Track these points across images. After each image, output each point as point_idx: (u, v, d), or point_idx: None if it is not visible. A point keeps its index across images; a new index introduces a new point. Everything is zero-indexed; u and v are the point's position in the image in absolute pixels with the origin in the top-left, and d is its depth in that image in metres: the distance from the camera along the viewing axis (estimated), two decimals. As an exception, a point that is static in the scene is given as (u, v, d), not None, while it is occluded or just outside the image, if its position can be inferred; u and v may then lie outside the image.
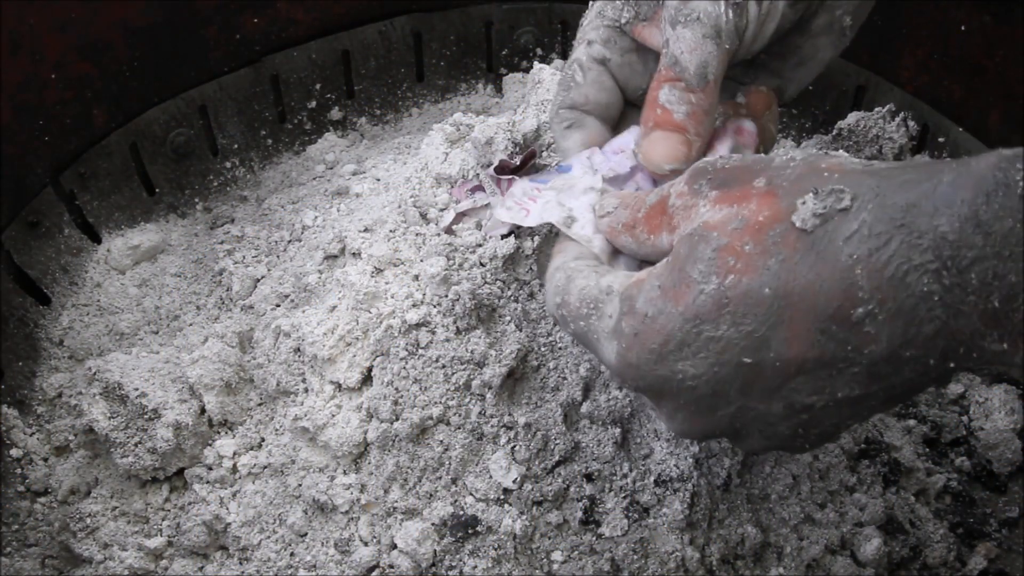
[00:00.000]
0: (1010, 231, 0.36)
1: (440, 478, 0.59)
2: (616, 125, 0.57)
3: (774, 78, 0.55)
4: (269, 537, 0.62)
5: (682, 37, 0.49)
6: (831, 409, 0.43)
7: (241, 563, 0.62)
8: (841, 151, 0.45)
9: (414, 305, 0.61)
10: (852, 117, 0.82)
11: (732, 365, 0.43)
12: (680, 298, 0.43)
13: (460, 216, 0.65)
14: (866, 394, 0.42)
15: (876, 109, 0.82)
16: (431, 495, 0.59)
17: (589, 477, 0.58)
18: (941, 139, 0.81)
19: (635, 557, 0.58)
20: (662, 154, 0.51)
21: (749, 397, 0.43)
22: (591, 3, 0.55)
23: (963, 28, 0.78)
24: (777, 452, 0.63)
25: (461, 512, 0.58)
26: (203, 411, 0.66)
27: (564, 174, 0.56)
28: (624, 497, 0.58)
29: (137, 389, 0.64)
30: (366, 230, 0.68)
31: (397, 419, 0.59)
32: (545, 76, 0.73)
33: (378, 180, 0.77)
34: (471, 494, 0.58)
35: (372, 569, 0.59)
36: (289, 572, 0.61)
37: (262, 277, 0.72)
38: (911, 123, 0.81)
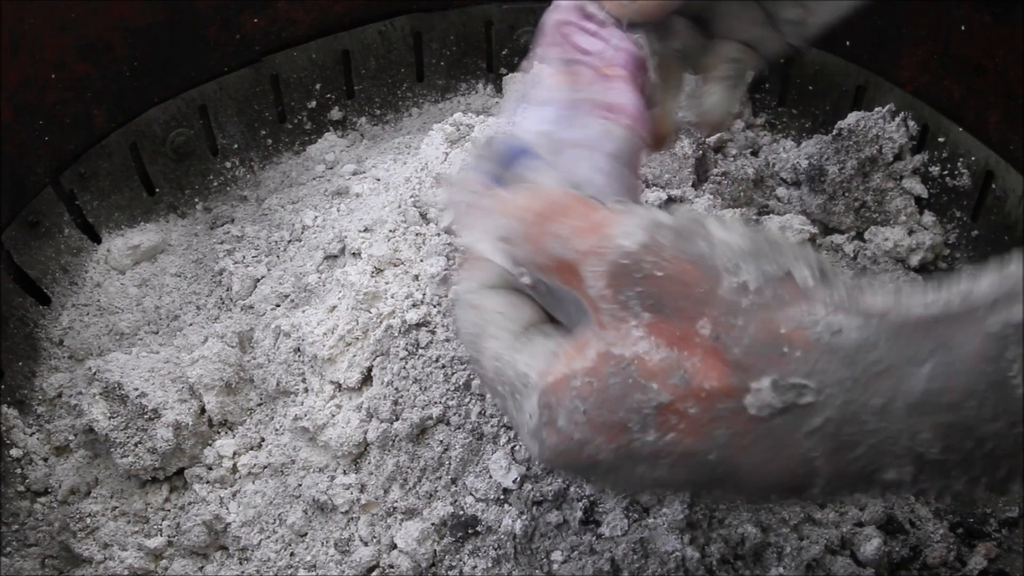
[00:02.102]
0: (1002, 432, 0.33)
1: (440, 478, 0.59)
2: None
3: (796, 6, 0.50)
4: (269, 537, 0.62)
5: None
6: None
7: (241, 563, 0.62)
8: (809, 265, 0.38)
9: (414, 305, 0.61)
10: (852, 117, 0.82)
11: (665, 489, 0.42)
12: (612, 438, 0.39)
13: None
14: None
15: (876, 109, 0.82)
16: (431, 495, 0.59)
17: (589, 477, 0.59)
18: (941, 139, 0.81)
19: (635, 557, 0.58)
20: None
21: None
22: None
23: (963, 28, 0.78)
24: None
25: (461, 512, 0.58)
26: (203, 411, 0.66)
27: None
28: (624, 497, 0.58)
29: (137, 389, 0.64)
30: (366, 230, 0.68)
31: (397, 419, 0.59)
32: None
33: (378, 180, 0.77)
34: (471, 494, 0.58)
35: (372, 569, 0.59)
36: (289, 572, 0.61)
37: (262, 277, 0.72)
38: (911, 123, 0.81)
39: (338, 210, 0.75)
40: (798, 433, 0.35)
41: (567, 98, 0.53)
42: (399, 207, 0.68)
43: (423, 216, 0.67)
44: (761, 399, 0.36)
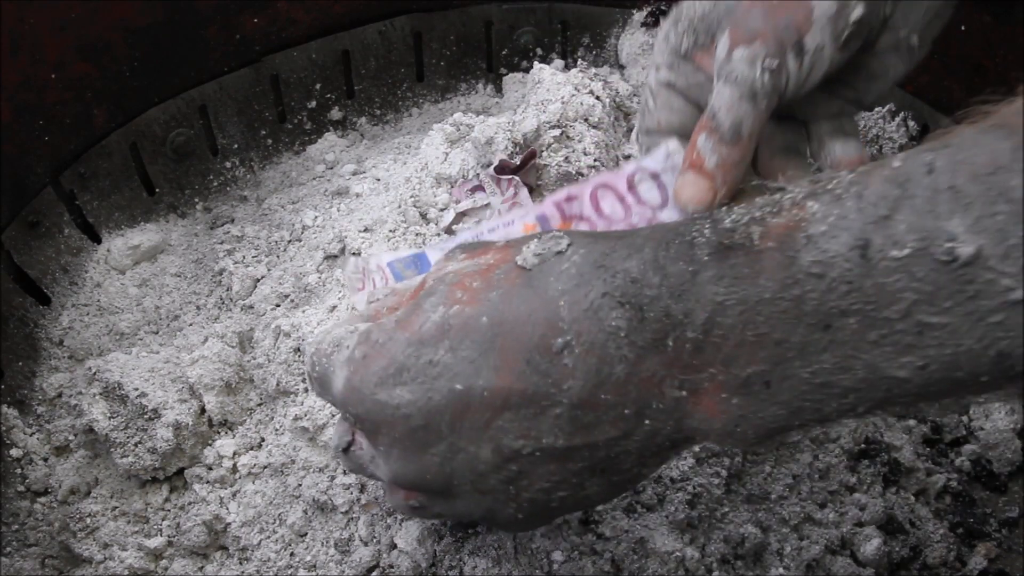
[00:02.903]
0: (681, 273, 0.41)
1: (440, 478, 0.59)
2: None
3: (849, 90, 0.55)
4: (269, 537, 0.62)
5: (721, 93, 0.51)
6: (538, 463, 0.44)
7: (241, 563, 0.62)
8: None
9: (414, 305, 0.61)
10: (852, 117, 0.82)
11: (444, 393, 0.44)
12: (409, 326, 0.45)
13: (460, 216, 0.65)
14: (570, 447, 0.43)
15: (876, 109, 0.82)
16: (431, 495, 0.59)
17: (589, 477, 0.58)
18: (941, 139, 0.81)
19: (635, 557, 0.58)
20: (688, 195, 0.53)
21: (459, 433, 0.44)
22: (661, 27, 0.56)
23: (963, 28, 0.78)
24: (777, 453, 0.63)
25: (461, 512, 0.58)
26: (203, 411, 0.66)
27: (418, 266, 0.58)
28: (624, 497, 0.58)
29: (137, 389, 0.64)
30: (366, 230, 0.68)
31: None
32: (545, 76, 0.73)
33: (378, 180, 0.77)
34: (471, 494, 0.58)
35: (372, 569, 0.59)
36: (289, 572, 0.61)
37: (262, 277, 0.72)
38: (911, 123, 0.81)
39: (338, 210, 0.75)
40: (551, 276, 0.43)
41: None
42: (399, 207, 0.68)
43: (423, 216, 0.67)
44: (528, 251, 0.44)
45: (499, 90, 0.90)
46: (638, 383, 0.42)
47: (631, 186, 0.60)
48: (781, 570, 0.61)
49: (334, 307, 0.63)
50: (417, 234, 0.65)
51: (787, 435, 0.44)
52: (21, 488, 0.67)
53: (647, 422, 0.43)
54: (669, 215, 0.58)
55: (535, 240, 0.44)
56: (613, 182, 0.60)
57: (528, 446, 0.44)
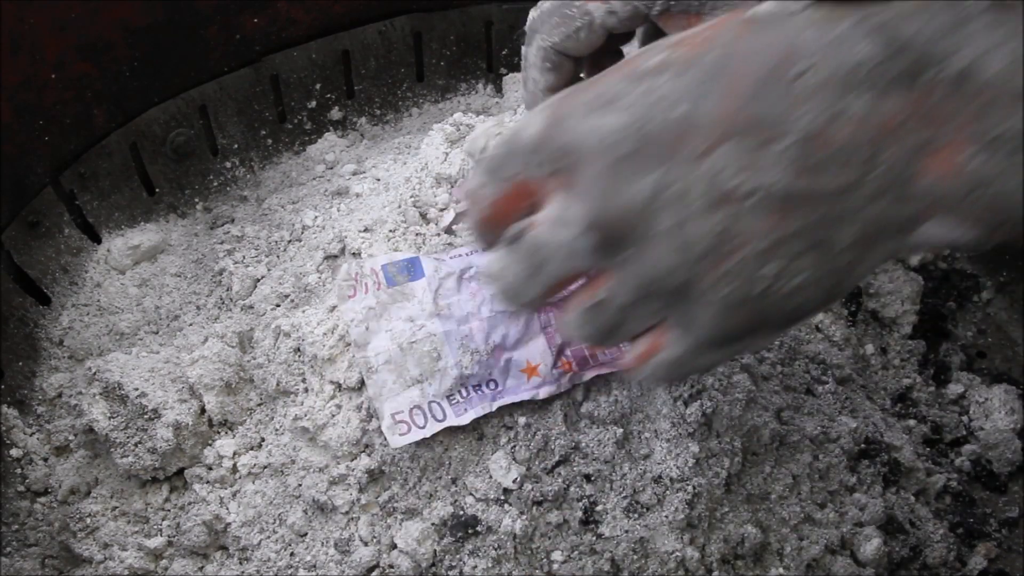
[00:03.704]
0: (949, 16, 0.37)
1: (440, 478, 0.59)
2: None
3: None
4: (269, 537, 0.62)
5: None
6: (752, 214, 0.39)
7: (241, 563, 0.62)
8: None
9: (414, 305, 0.61)
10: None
11: (662, 117, 0.40)
12: (623, 67, 0.41)
13: (460, 216, 0.65)
14: (790, 195, 0.39)
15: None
16: (431, 495, 0.59)
17: (589, 477, 0.58)
18: (941, 139, 0.81)
19: (635, 557, 0.58)
20: None
21: (673, 163, 0.39)
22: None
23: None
24: (777, 453, 0.63)
25: (461, 512, 0.58)
26: (203, 411, 0.66)
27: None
28: (624, 497, 0.58)
29: (137, 389, 0.64)
30: (366, 230, 0.68)
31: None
32: None
33: (378, 180, 0.77)
34: (471, 494, 0.58)
35: (372, 569, 0.59)
36: (289, 572, 0.61)
37: (262, 277, 0.72)
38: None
39: (338, 210, 0.75)
40: (789, 17, 0.39)
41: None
42: (399, 207, 0.68)
43: (423, 216, 0.67)
44: (761, 8, 0.40)
45: (499, 90, 0.90)
46: (876, 123, 0.38)
47: None
48: (781, 570, 0.61)
49: (334, 307, 0.63)
50: (417, 234, 0.65)
51: (1015, 228, 0.39)
52: (21, 488, 0.68)
53: (878, 171, 0.38)
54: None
55: (767, 2, 0.40)
56: None
57: (746, 184, 0.39)
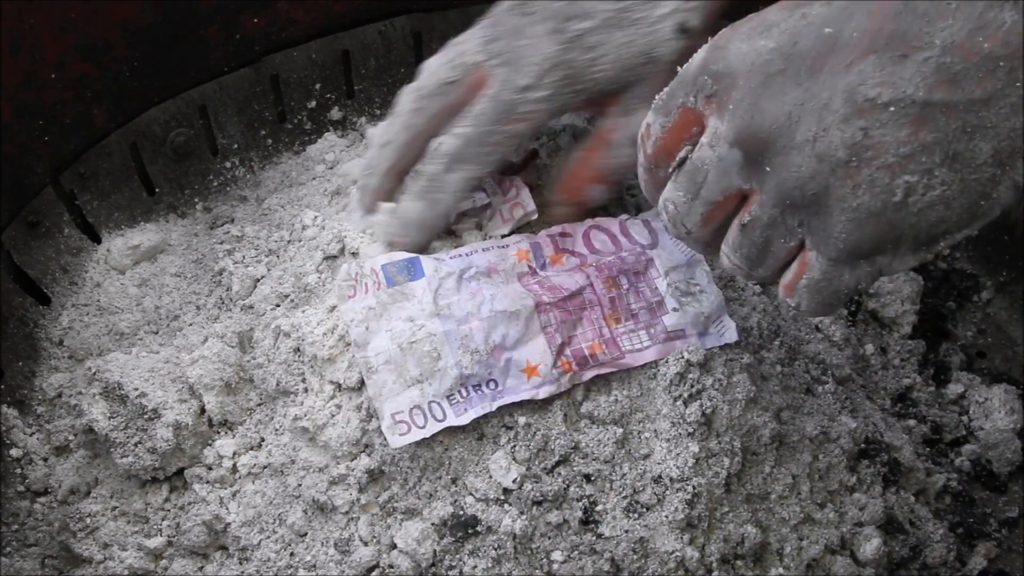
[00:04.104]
0: None
1: (440, 478, 0.59)
2: None
3: None
4: (269, 537, 0.62)
5: None
6: (888, 125, 0.40)
7: (241, 563, 0.62)
8: None
9: (414, 305, 0.61)
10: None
11: (812, 37, 0.42)
12: (784, 3, 0.44)
13: (461, 216, 0.65)
14: (928, 104, 0.40)
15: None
16: (431, 495, 0.59)
17: (589, 477, 0.58)
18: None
19: (635, 557, 0.58)
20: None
21: (816, 79, 0.42)
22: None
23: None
24: (777, 453, 0.63)
25: (461, 512, 0.58)
26: (203, 411, 0.66)
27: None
28: (624, 497, 0.58)
29: (137, 389, 0.64)
30: (365, 230, 0.68)
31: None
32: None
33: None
34: (471, 494, 0.58)
35: (372, 569, 0.59)
36: (289, 572, 0.61)
37: (262, 277, 0.72)
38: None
39: (337, 212, 0.75)
40: None
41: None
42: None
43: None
44: None
45: (499, 90, 0.90)
46: (1022, 34, 0.38)
47: (624, 230, 0.62)
48: (781, 570, 0.61)
49: (334, 307, 0.63)
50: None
51: None
52: (21, 488, 0.68)
53: (1017, 86, 0.39)
54: (658, 253, 0.62)
55: None
56: (606, 224, 0.63)
57: (884, 94, 0.40)
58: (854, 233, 0.43)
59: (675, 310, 0.61)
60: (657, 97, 0.49)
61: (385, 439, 0.58)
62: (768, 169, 0.44)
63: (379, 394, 0.58)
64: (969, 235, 0.45)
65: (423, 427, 0.57)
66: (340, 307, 0.61)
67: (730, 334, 0.62)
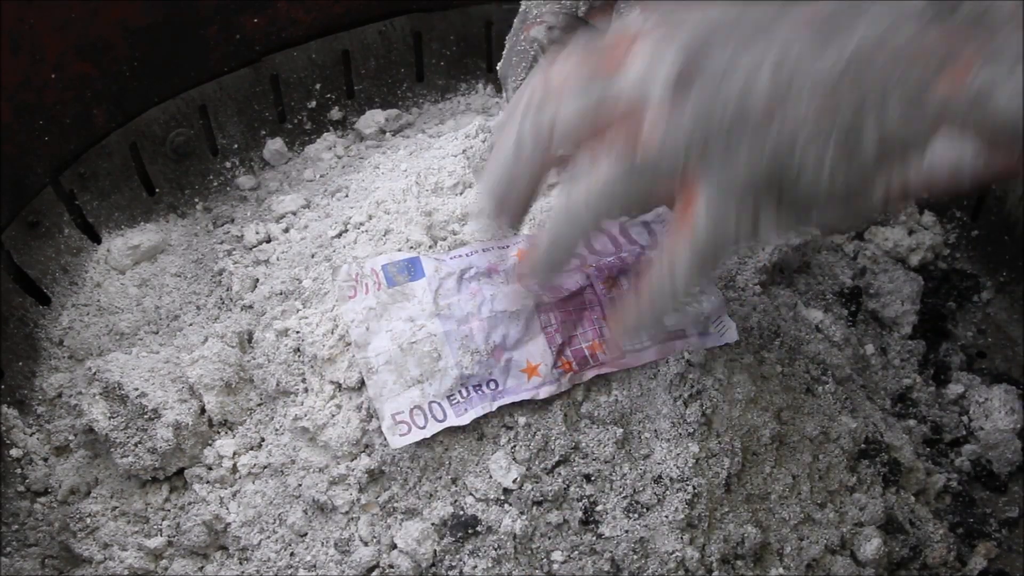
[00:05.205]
0: None
1: (440, 478, 0.59)
2: None
3: None
4: (269, 537, 0.62)
5: None
6: (800, 100, 0.44)
7: (241, 563, 0.63)
8: None
9: (414, 305, 0.61)
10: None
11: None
12: None
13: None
14: (838, 87, 0.43)
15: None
16: (431, 495, 0.59)
17: (589, 477, 0.58)
18: (941, 139, 0.81)
19: (635, 557, 0.58)
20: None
21: (750, 44, 0.45)
22: None
23: (963, 28, 0.78)
24: (777, 453, 0.63)
25: (461, 512, 0.58)
26: (203, 411, 0.66)
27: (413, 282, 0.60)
28: (624, 497, 0.58)
29: (137, 389, 0.64)
30: (369, 218, 0.68)
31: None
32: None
33: (377, 180, 0.77)
34: (471, 494, 0.58)
35: (372, 569, 0.59)
36: (289, 572, 0.61)
37: (262, 277, 0.72)
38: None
39: (337, 209, 0.75)
40: None
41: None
42: (398, 207, 0.68)
43: (428, 215, 0.67)
44: None
45: (499, 90, 0.90)
46: (915, 48, 0.43)
47: (623, 231, 0.62)
48: (781, 570, 0.61)
49: (334, 307, 0.63)
50: (423, 217, 0.65)
51: (1013, 146, 0.43)
52: (21, 488, 0.68)
53: (907, 85, 0.43)
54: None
55: None
56: (606, 226, 0.63)
57: (799, 77, 0.44)
58: (754, 167, 0.45)
59: (675, 310, 0.61)
60: None
61: (385, 439, 0.58)
62: (691, 93, 0.45)
63: (379, 394, 0.58)
64: (839, 228, 0.48)
65: (423, 427, 0.57)
66: (340, 308, 0.61)
67: (730, 334, 0.62)
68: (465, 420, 0.57)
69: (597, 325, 0.59)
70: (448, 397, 0.57)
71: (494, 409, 0.57)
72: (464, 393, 0.57)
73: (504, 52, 0.64)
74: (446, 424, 0.57)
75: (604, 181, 0.48)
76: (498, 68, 0.65)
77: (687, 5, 0.47)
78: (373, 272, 0.60)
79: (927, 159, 0.44)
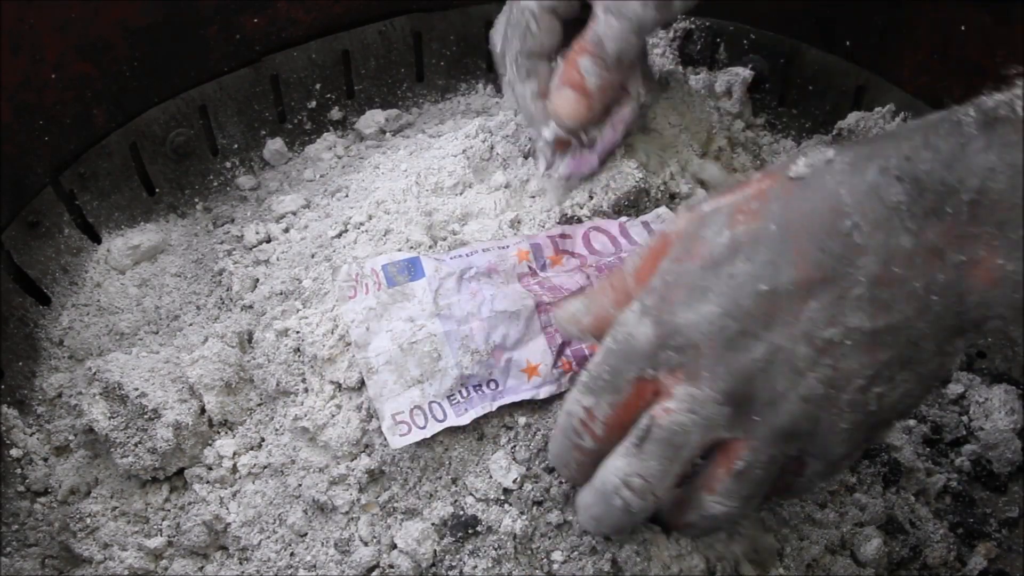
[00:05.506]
0: (952, 147, 0.43)
1: (440, 478, 0.59)
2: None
3: None
4: (269, 537, 0.62)
5: (610, 25, 0.59)
6: (850, 355, 0.46)
7: (241, 563, 0.63)
8: None
9: (414, 305, 0.61)
10: (852, 117, 0.82)
11: (751, 296, 0.46)
12: (695, 256, 0.48)
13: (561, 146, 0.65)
14: (875, 331, 0.45)
15: (876, 109, 0.82)
16: (431, 495, 0.59)
17: (589, 477, 0.58)
18: (941, 139, 0.81)
19: (637, 560, 0.58)
20: (568, 111, 0.61)
21: (773, 331, 0.46)
22: None
23: (963, 28, 0.78)
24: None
25: (461, 512, 0.58)
26: (203, 411, 0.66)
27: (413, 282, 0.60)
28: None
29: (137, 389, 0.64)
30: (369, 218, 0.68)
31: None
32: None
33: (377, 179, 0.77)
34: (471, 494, 0.58)
35: (372, 569, 0.59)
36: (289, 572, 0.61)
37: (262, 277, 0.72)
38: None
39: (337, 209, 0.75)
40: (826, 176, 0.46)
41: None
42: (398, 206, 0.68)
43: (428, 214, 0.67)
44: (798, 165, 0.47)
45: (499, 90, 0.90)
46: (923, 254, 0.44)
47: (623, 231, 0.62)
48: (781, 570, 0.61)
49: (333, 307, 0.63)
50: (423, 217, 0.65)
51: None
52: (21, 488, 0.68)
53: (935, 298, 0.45)
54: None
55: (801, 157, 0.47)
56: (606, 226, 0.63)
57: (838, 333, 0.45)
58: (850, 443, 0.49)
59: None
60: (587, 379, 0.51)
61: (385, 439, 0.58)
62: (757, 418, 0.48)
63: (380, 394, 0.58)
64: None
65: (423, 427, 0.57)
66: (340, 308, 0.61)
67: None
68: (465, 420, 0.57)
69: None
70: (448, 397, 0.57)
71: (494, 409, 0.57)
72: (464, 393, 0.57)
73: (496, 21, 0.66)
74: (446, 424, 0.57)
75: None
76: (491, 36, 0.67)
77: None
78: (373, 272, 0.60)
79: (987, 328, 0.46)
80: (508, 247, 0.62)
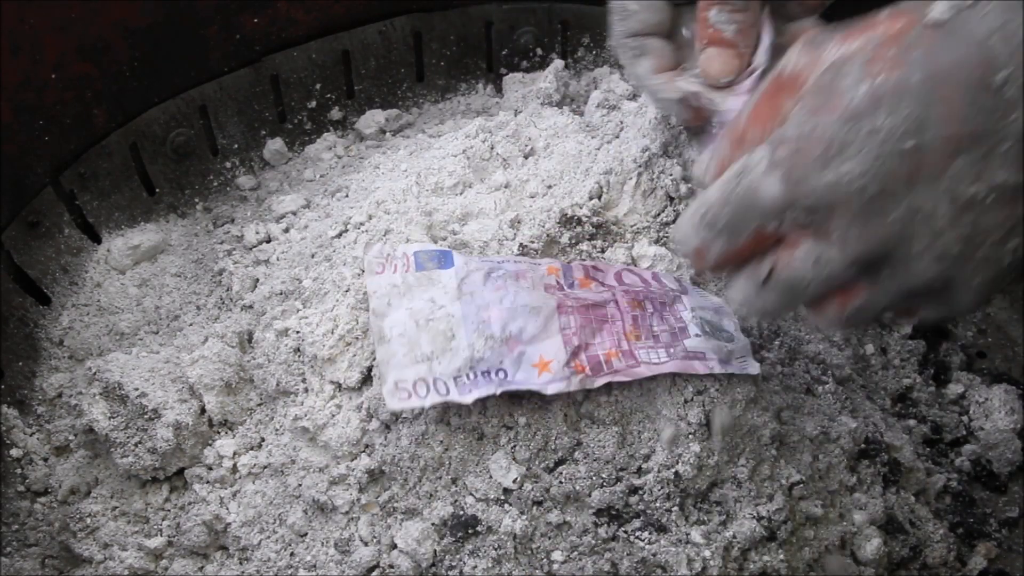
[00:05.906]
0: None
1: (440, 478, 0.59)
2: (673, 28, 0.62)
3: None
4: (269, 537, 0.62)
5: None
6: (991, 210, 0.44)
7: (241, 563, 0.63)
8: None
9: (414, 305, 0.61)
10: None
11: (896, 154, 0.44)
12: (834, 108, 0.45)
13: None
14: (1019, 185, 0.44)
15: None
16: (431, 495, 0.59)
17: (589, 477, 0.58)
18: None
19: (637, 561, 0.58)
20: (719, 68, 0.58)
21: (915, 192, 0.44)
22: None
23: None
24: (777, 453, 0.63)
25: (461, 512, 0.58)
26: (203, 411, 0.66)
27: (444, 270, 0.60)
28: (623, 497, 0.58)
29: (137, 389, 0.64)
30: (370, 218, 0.68)
31: (397, 419, 0.59)
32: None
33: (377, 179, 0.77)
34: (471, 494, 0.58)
35: (372, 569, 0.59)
36: (289, 572, 0.61)
37: (262, 277, 0.72)
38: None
39: (337, 208, 0.75)
40: (973, 21, 0.43)
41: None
42: (398, 206, 0.68)
43: (428, 214, 0.67)
44: (937, 9, 0.44)
45: (499, 90, 0.90)
46: None
47: (655, 276, 0.62)
48: (781, 570, 0.61)
49: (334, 307, 0.63)
50: (423, 217, 0.65)
51: None
52: (21, 488, 0.68)
53: None
54: (687, 297, 0.62)
55: (939, 1, 0.45)
56: (638, 270, 0.63)
57: (982, 190, 0.44)
58: (981, 297, 0.48)
59: (698, 336, 0.60)
60: (699, 217, 0.50)
61: (385, 440, 0.58)
62: (887, 272, 0.47)
63: (387, 361, 0.57)
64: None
65: (424, 397, 0.56)
66: (367, 280, 0.60)
67: (752, 369, 0.61)
68: (468, 399, 0.56)
69: (616, 338, 0.59)
70: (455, 378, 0.57)
71: (499, 393, 0.57)
72: (471, 376, 0.57)
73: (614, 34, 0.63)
74: (448, 399, 0.56)
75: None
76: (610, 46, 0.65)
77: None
78: (404, 256, 0.61)
79: None
80: (540, 264, 0.62)
